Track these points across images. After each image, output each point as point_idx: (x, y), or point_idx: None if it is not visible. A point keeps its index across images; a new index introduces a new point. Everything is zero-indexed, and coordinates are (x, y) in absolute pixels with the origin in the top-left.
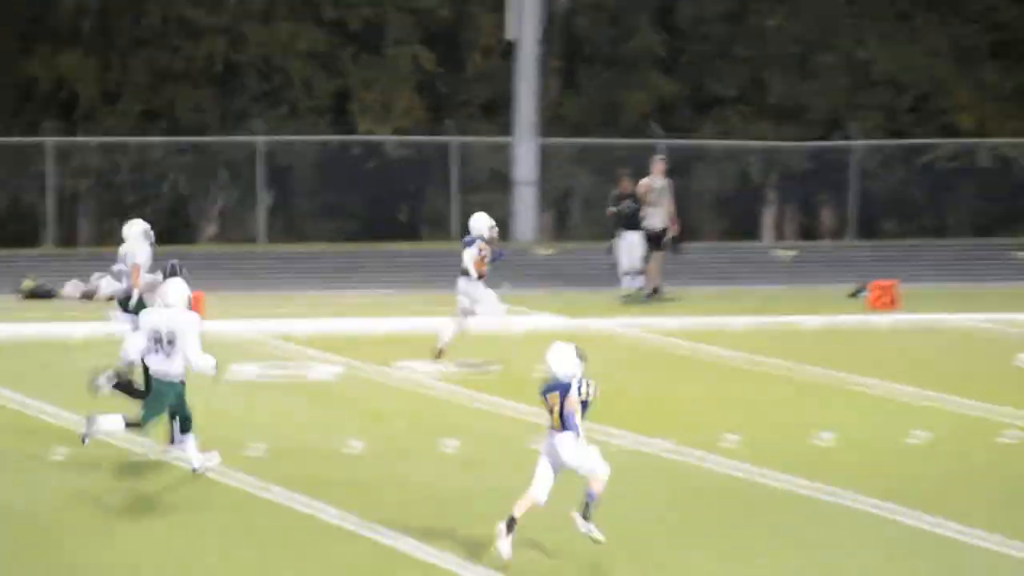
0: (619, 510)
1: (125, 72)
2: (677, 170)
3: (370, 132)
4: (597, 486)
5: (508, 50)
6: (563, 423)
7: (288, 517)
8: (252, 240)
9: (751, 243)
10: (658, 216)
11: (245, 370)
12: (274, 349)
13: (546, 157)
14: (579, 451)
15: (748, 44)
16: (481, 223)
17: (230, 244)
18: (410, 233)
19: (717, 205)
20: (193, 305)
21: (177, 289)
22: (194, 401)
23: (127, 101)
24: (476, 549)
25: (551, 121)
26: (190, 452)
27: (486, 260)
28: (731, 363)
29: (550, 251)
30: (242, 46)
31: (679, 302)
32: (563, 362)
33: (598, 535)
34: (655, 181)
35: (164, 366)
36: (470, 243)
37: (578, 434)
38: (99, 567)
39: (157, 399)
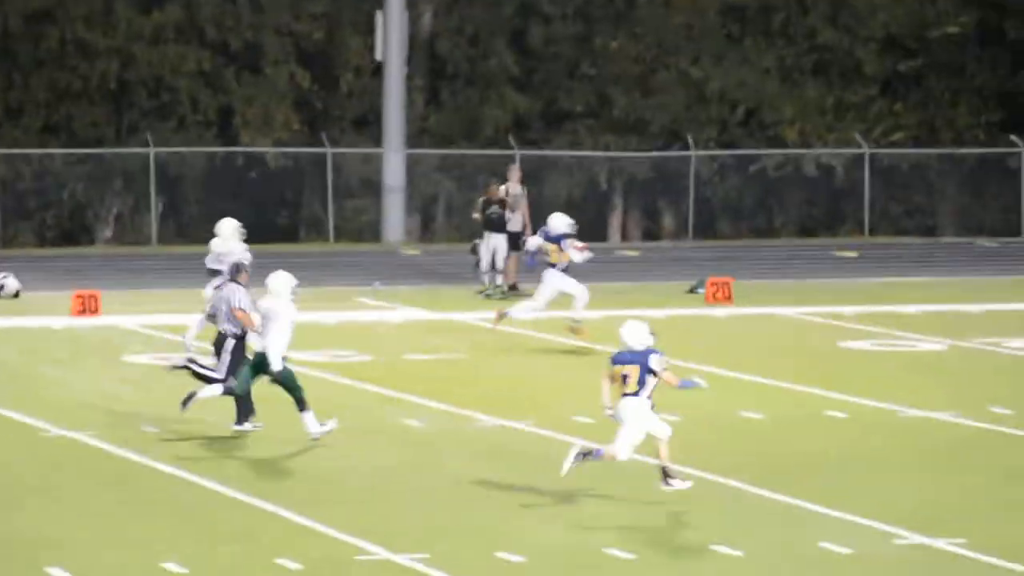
0: (492, 478)
1: (27, 90)
2: (531, 178)
3: (252, 144)
4: (609, 453)
5: (377, 69)
6: (639, 389)
7: (180, 489)
8: (145, 242)
9: (599, 244)
10: (515, 220)
11: (139, 359)
12: (166, 340)
13: (413, 166)
14: (644, 415)
15: (594, 64)
16: (561, 222)
17: (125, 246)
18: (290, 236)
19: (568, 210)
20: (91, 302)
21: (282, 279)
22: (93, 387)
23: (29, 117)
24: (347, 517)
25: (417, 134)
26: (309, 423)
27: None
28: (582, 352)
29: (415, 251)
30: (133, 66)
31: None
32: (638, 335)
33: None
34: (512, 188)
35: (262, 343)
36: (556, 239)
37: (648, 399)
38: (6, 542)
39: (254, 368)
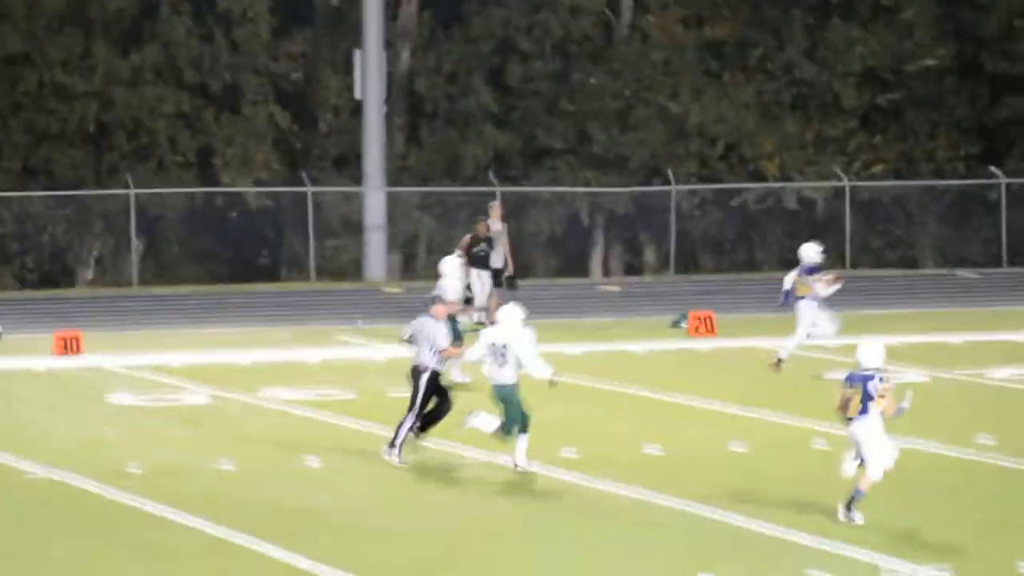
0: (477, 512)
1: (6, 133)
2: (512, 215)
3: (232, 184)
4: (864, 485)
5: (356, 108)
6: (863, 409)
7: (166, 531)
8: (126, 284)
9: (581, 279)
10: (497, 256)
11: (122, 399)
12: (149, 380)
13: (393, 204)
14: (874, 437)
15: (572, 100)
16: (812, 252)
17: (106, 288)
18: (272, 275)
19: (549, 246)
20: (72, 342)
21: (511, 311)
22: (75, 427)
23: (8, 159)
24: (335, 553)
25: (397, 172)
26: (519, 451)
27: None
28: (567, 386)
29: (397, 289)
30: (112, 108)
31: None
32: (870, 355)
33: (858, 519)
34: (494, 225)
35: (500, 375)
36: (809, 271)
37: (875, 419)
38: None
39: (508, 404)
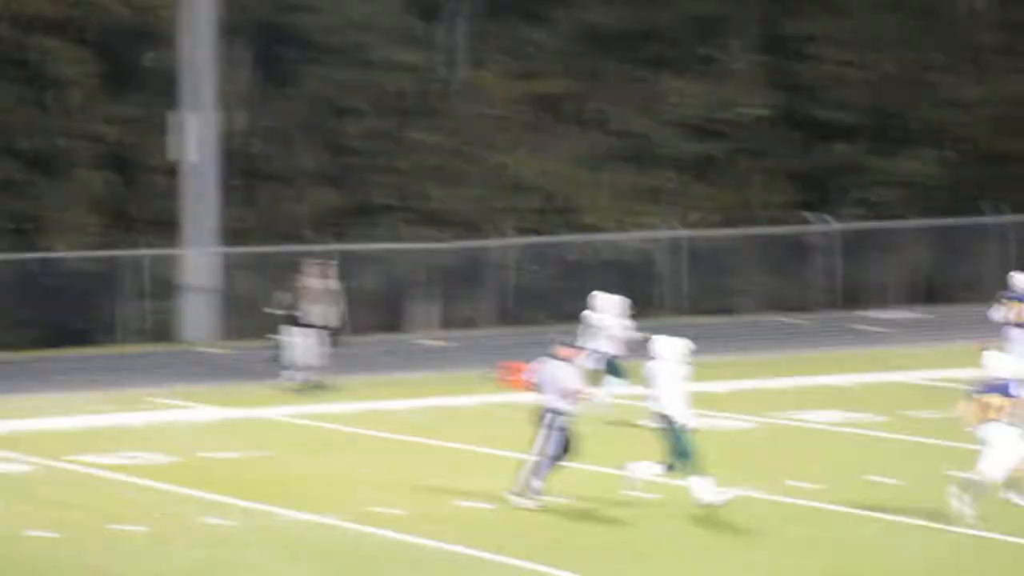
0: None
1: None
2: (340, 272)
3: (50, 249)
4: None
5: (179, 168)
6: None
7: None
8: None
9: (401, 336)
10: (320, 313)
11: None
12: None
13: (216, 265)
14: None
15: (405, 157)
16: (1021, 280)
17: None
18: (89, 339)
19: (376, 301)
20: None
21: (666, 344)
22: None
23: None
24: None
25: (224, 232)
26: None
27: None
28: (390, 443)
29: (223, 351)
30: None
31: (340, 391)
32: (1002, 365)
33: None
34: (326, 284)
35: (656, 408)
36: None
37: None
38: None
39: (664, 437)
